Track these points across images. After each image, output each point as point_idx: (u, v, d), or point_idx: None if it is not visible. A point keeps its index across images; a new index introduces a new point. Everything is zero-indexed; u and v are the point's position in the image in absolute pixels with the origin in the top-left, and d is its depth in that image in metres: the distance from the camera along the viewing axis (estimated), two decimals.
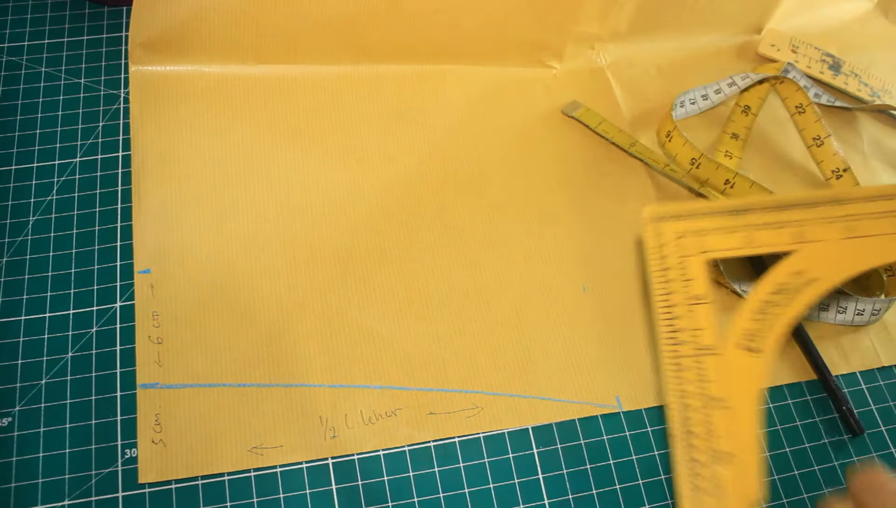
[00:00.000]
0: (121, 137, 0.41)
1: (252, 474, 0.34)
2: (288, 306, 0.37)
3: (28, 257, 0.38)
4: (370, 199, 0.41)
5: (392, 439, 0.35)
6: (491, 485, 0.35)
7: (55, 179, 0.40)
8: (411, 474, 0.35)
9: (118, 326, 0.36)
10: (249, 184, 0.40)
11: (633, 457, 0.36)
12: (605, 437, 0.37)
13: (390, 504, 0.34)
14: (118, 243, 0.38)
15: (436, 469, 0.35)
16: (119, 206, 0.39)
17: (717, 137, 0.47)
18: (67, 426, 0.34)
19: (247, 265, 0.38)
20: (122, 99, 0.42)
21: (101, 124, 0.41)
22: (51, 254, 0.38)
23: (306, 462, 0.34)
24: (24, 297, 0.36)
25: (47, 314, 0.36)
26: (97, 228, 0.39)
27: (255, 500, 0.33)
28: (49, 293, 0.37)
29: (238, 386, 0.35)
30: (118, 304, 0.37)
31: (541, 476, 0.35)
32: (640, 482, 0.36)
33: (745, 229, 0.31)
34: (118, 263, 0.38)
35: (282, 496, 0.33)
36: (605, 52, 0.49)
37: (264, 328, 0.37)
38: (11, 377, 0.35)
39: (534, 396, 0.37)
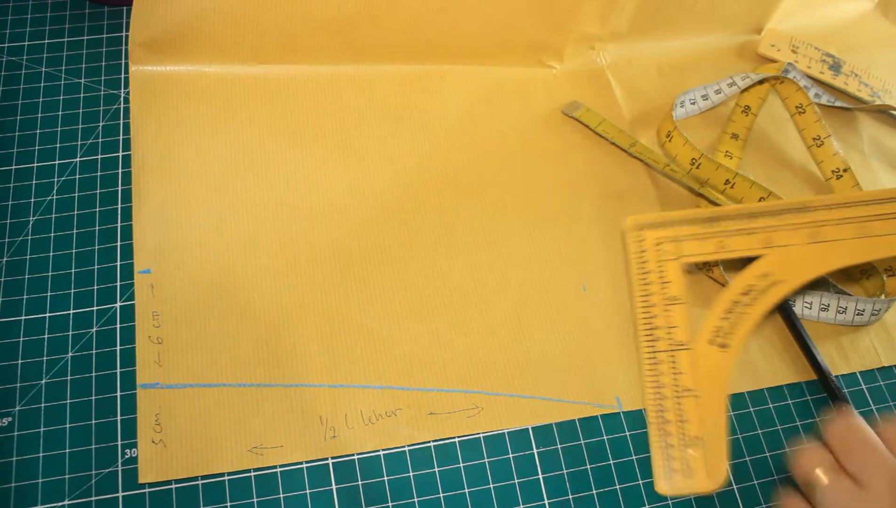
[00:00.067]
0: (121, 137, 0.41)
1: (252, 474, 0.34)
2: (288, 306, 0.37)
3: (28, 257, 0.38)
4: (370, 199, 0.41)
5: (392, 439, 0.35)
6: (491, 485, 0.35)
7: (55, 179, 0.40)
8: (411, 474, 0.35)
9: (118, 326, 0.36)
10: (249, 184, 0.40)
11: (633, 457, 0.36)
12: (605, 437, 0.37)
13: (390, 504, 0.34)
14: (118, 243, 0.38)
15: (436, 469, 0.35)
16: (119, 206, 0.39)
17: (718, 137, 0.47)
18: (67, 426, 0.34)
19: (247, 265, 0.38)
20: (122, 99, 0.42)
21: (101, 124, 0.41)
22: (51, 254, 0.38)
23: (306, 462, 0.34)
24: (24, 297, 0.37)
25: (47, 314, 0.36)
26: (97, 228, 0.39)
27: (255, 500, 0.33)
28: (49, 293, 0.37)
29: (238, 386, 0.35)
30: (118, 304, 0.37)
31: (541, 476, 0.35)
32: (640, 482, 0.36)
33: (719, 235, 0.34)
34: (118, 263, 0.38)
35: (282, 496, 0.33)
36: (605, 52, 0.49)
37: (264, 327, 0.37)
38: (11, 377, 0.35)
39: (534, 396, 0.37)
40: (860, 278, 0.42)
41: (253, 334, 0.36)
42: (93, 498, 0.32)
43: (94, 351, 0.35)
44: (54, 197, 0.39)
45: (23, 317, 0.36)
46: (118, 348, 0.36)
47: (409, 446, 0.35)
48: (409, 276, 0.39)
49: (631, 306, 0.37)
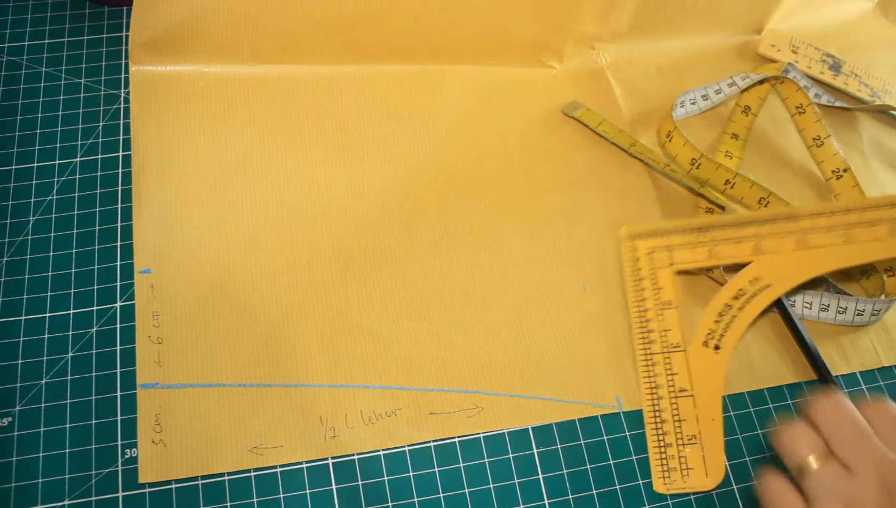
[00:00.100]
0: (121, 137, 0.41)
1: (252, 474, 0.34)
2: (288, 306, 0.37)
3: (28, 257, 0.38)
4: (370, 199, 0.41)
5: (392, 439, 0.35)
6: (491, 485, 0.35)
7: (55, 179, 0.40)
8: (411, 474, 0.35)
9: (118, 326, 0.36)
10: (249, 184, 0.40)
11: (633, 457, 0.36)
12: (605, 437, 0.37)
13: (390, 504, 0.34)
14: (118, 243, 0.38)
15: (436, 469, 0.35)
16: (119, 206, 0.39)
17: (718, 138, 0.47)
18: (67, 426, 0.34)
19: (247, 265, 0.38)
20: (122, 99, 0.42)
21: (101, 124, 0.41)
22: (51, 254, 0.38)
23: (306, 462, 0.34)
24: (24, 297, 0.36)
25: (47, 314, 0.36)
26: (97, 228, 0.39)
27: (255, 500, 0.33)
28: (49, 293, 0.37)
29: (238, 386, 0.35)
30: (118, 304, 0.37)
31: (541, 476, 0.35)
32: (640, 482, 0.36)
33: (709, 244, 0.36)
34: (118, 263, 0.38)
35: (282, 496, 0.33)
36: (605, 52, 0.49)
37: (264, 327, 0.37)
38: (11, 377, 0.35)
39: (534, 396, 0.37)
40: (860, 278, 0.42)
41: (253, 334, 0.36)
42: (93, 498, 0.32)
43: (94, 351, 0.35)
44: (54, 197, 0.39)
45: (23, 317, 0.36)
46: (118, 348, 0.36)
47: (409, 446, 0.35)
48: (409, 276, 0.39)
49: (627, 311, 0.38)
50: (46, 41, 0.44)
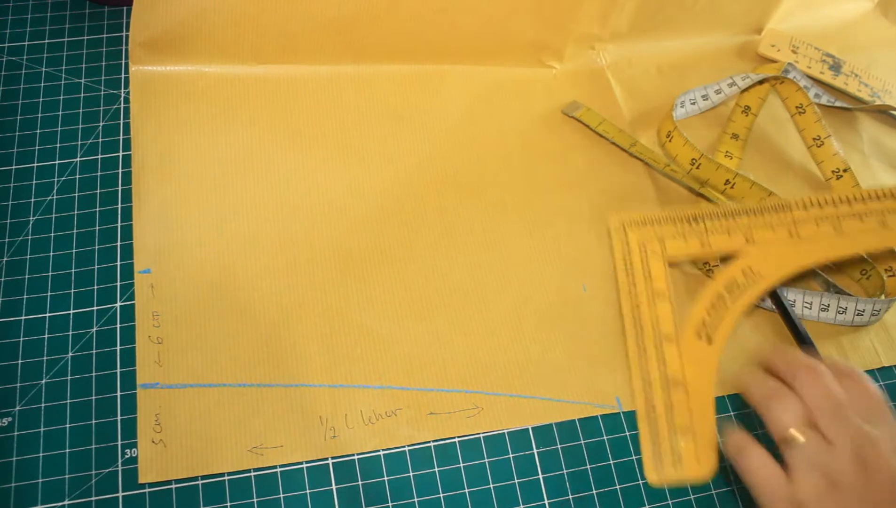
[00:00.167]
0: (121, 137, 0.41)
1: (252, 474, 0.34)
2: (288, 306, 0.37)
3: (28, 257, 0.38)
4: (370, 199, 0.41)
5: (392, 439, 0.35)
6: (491, 485, 0.35)
7: (55, 179, 0.40)
8: (411, 474, 0.35)
9: (118, 326, 0.36)
10: (249, 184, 0.40)
11: (633, 457, 0.36)
12: (605, 437, 0.37)
13: (390, 504, 0.34)
14: (118, 243, 0.38)
15: (436, 469, 0.35)
16: (119, 206, 0.39)
17: (718, 138, 0.47)
18: (67, 426, 0.34)
19: (247, 265, 0.38)
20: (122, 99, 0.42)
21: (101, 124, 0.41)
22: (51, 254, 0.38)
23: (306, 462, 0.34)
24: (24, 297, 0.36)
25: (47, 314, 0.36)
26: (97, 228, 0.39)
27: (255, 500, 0.33)
28: (49, 293, 0.37)
29: (238, 386, 0.35)
30: (118, 304, 0.37)
31: (541, 476, 0.35)
32: (640, 482, 0.36)
33: (700, 234, 0.36)
34: (118, 263, 0.38)
35: (282, 496, 0.33)
36: (605, 52, 0.49)
37: (264, 327, 0.37)
38: (11, 377, 0.35)
39: (534, 396, 0.37)
40: (860, 278, 0.42)
41: (253, 334, 0.36)
42: (93, 498, 0.32)
43: (94, 351, 0.35)
44: (54, 197, 0.39)
45: (23, 317, 0.36)
46: (118, 348, 0.36)
47: (409, 446, 0.35)
48: (409, 276, 0.39)
49: (619, 300, 0.37)
50: (46, 41, 0.44)
